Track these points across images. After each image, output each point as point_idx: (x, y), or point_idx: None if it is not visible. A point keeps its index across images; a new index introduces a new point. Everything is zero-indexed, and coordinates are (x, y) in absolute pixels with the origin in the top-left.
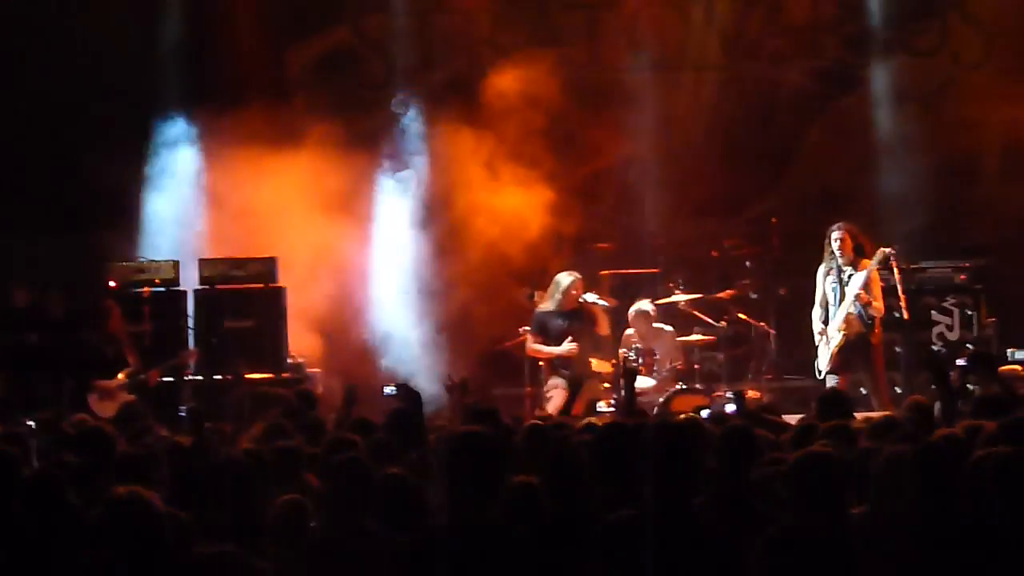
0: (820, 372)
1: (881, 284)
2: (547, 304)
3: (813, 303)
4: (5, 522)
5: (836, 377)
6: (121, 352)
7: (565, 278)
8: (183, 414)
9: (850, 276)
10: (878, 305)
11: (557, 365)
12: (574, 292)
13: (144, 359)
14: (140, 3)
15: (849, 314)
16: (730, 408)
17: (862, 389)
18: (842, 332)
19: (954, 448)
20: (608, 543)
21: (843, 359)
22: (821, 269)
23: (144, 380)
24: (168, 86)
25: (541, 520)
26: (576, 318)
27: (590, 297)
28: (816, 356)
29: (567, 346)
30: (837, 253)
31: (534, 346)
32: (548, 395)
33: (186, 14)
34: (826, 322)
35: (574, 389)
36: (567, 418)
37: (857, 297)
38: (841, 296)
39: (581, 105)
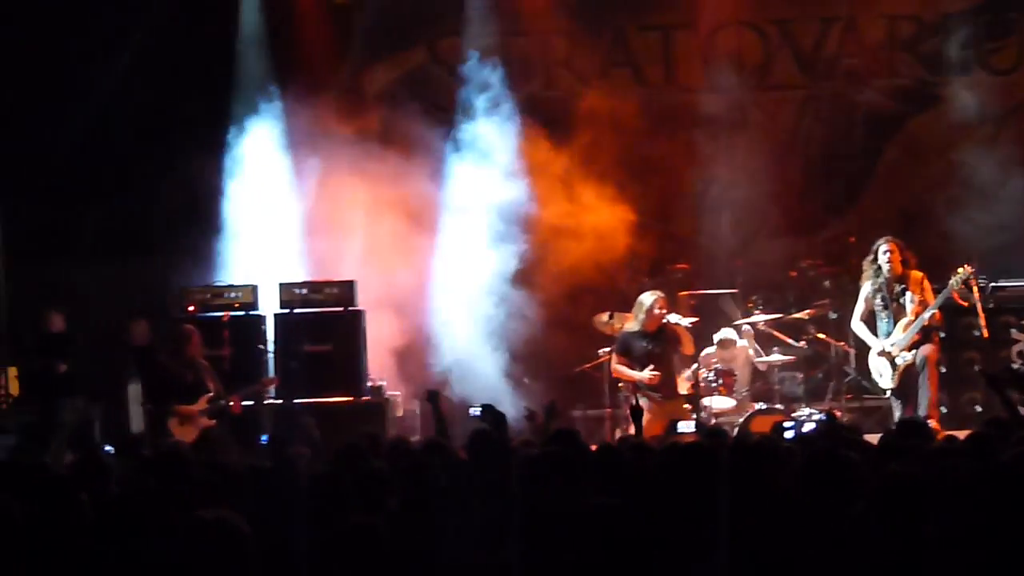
0: (886, 391)
1: (962, 302)
2: (631, 324)
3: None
4: (81, 550)
5: (901, 401)
6: (201, 378)
7: (648, 298)
8: (264, 440)
9: (903, 290)
10: (939, 317)
11: (641, 387)
12: (657, 312)
13: (224, 384)
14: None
15: (916, 334)
16: (808, 427)
17: (978, 407)
18: (907, 353)
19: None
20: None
21: (906, 378)
22: (868, 285)
23: (225, 406)
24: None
25: (618, 541)
26: (659, 339)
27: (673, 318)
28: (870, 371)
29: (648, 373)
30: (885, 268)
31: (617, 367)
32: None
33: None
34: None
35: (636, 418)
36: (648, 439)
37: (932, 317)
38: (895, 312)
39: (658, 126)
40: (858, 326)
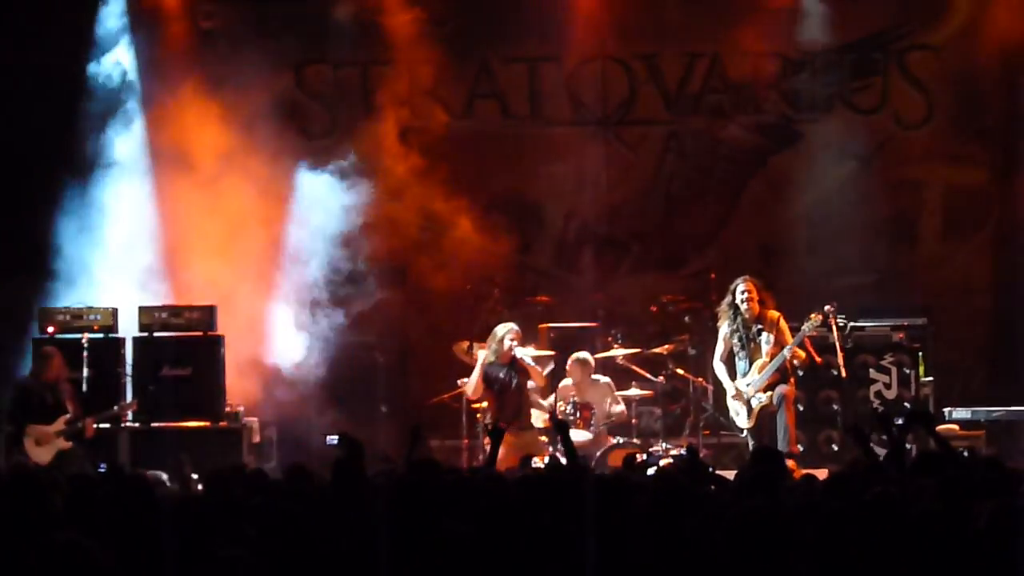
0: (742, 430)
1: (814, 354)
2: (487, 355)
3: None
4: None
5: (755, 441)
6: (60, 399)
7: (501, 330)
8: (102, 468)
9: (759, 331)
10: (802, 355)
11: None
12: (508, 344)
13: (82, 406)
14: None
15: (768, 377)
16: (665, 462)
17: (834, 446)
18: (763, 394)
19: (890, 505)
20: None
21: (762, 418)
22: (726, 326)
23: (81, 429)
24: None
25: (475, 570)
26: (514, 369)
27: (519, 352)
28: (728, 411)
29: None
30: (743, 308)
31: (468, 386)
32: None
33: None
34: (733, 377)
35: (495, 438)
36: (501, 470)
37: (795, 357)
38: (752, 352)
39: (521, 159)
40: (718, 366)
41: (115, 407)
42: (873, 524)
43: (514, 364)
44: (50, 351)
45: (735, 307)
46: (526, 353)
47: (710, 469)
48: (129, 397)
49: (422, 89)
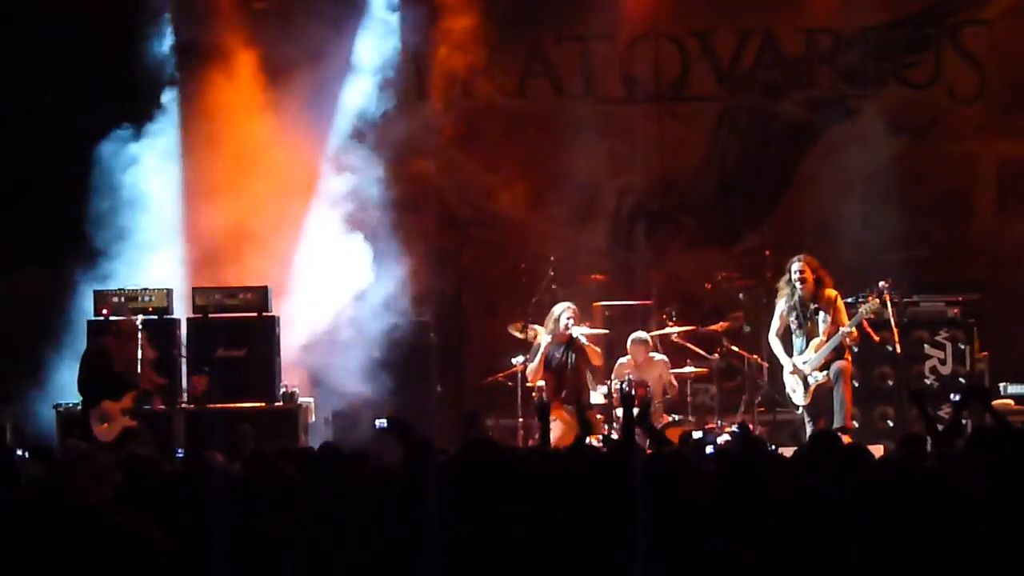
0: (798, 407)
1: (872, 334)
2: (544, 336)
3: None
4: None
5: (812, 418)
6: (133, 374)
7: (558, 309)
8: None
9: (816, 310)
10: (856, 335)
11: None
12: (564, 323)
13: (155, 384)
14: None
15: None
16: (722, 439)
17: (889, 422)
18: (819, 373)
19: (940, 481)
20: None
21: (818, 396)
22: (782, 303)
23: (148, 398)
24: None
25: (532, 551)
26: (571, 348)
27: (576, 331)
28: (783, 385)
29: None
30: (799, 287)
31: (528, 369)
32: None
33: None
34: (789, 354)
35: (543, 415)
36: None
37: (849, 337)
38: (808, 331)
39: (576, 137)
40: (774, 341)
41: (191, 385)
42: (924, 501)
43: (572, 343)
44: (132, 325)
45: (792, 286)
46: (581, 332)
47: (768, 446)
48: (184, 379)
49: (475, 69)
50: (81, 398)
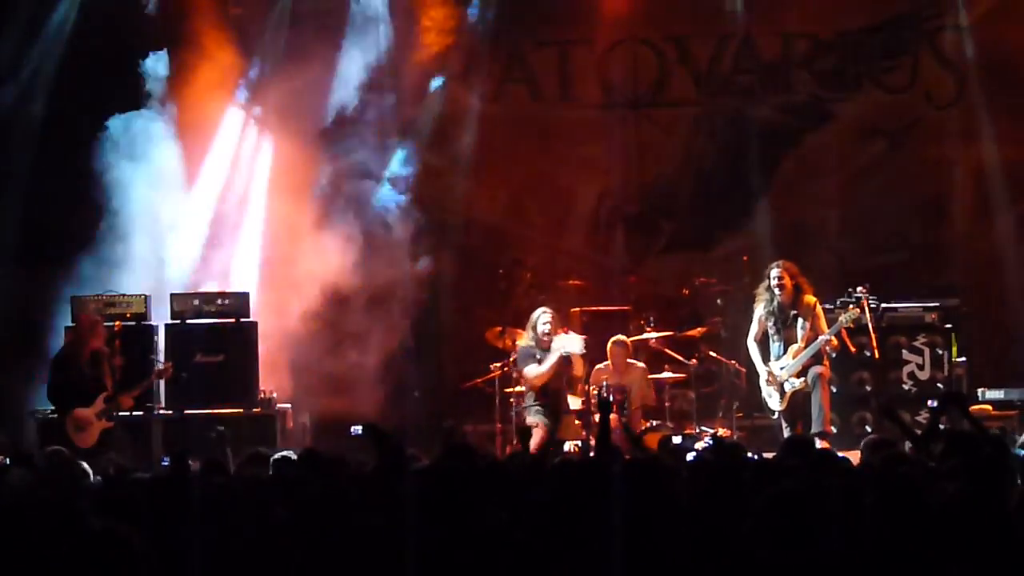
0: (774, 412)
1: (850, 345)
2: (525, 340)
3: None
4: None
5: (788, 424)
6: (100, 373)
7: (536, 315)
8: (165, 462)
9: (794, 316)
10: (835, 342)
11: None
12: (543, 328)
13: (118, 377)
14: None
15: (808, 359)
16: (700, 446)
17: (867, 427)
18: (796, 379)
19: (915, 485)
20: None
21: (795, 402)
22: (760, 308)
23: (119, 405)
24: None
25: (509, 555)
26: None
27: (557, 343)
28: (762, 393)
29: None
30: (777, 292)
31: (532, 372)
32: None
33: None
34: (766, 359)
35: (524, 438)
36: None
37: (828, 344)
38: (787, 337)
39: (553, 142)
40: (751, 346)
41: (151, 372)
42: (899, 507)
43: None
44: (92, 319)
45: (771, 292)
46: (571, 348)
47: (747, 454)
48: (162, 385)
49: (452, 74)
50: (53, 406)
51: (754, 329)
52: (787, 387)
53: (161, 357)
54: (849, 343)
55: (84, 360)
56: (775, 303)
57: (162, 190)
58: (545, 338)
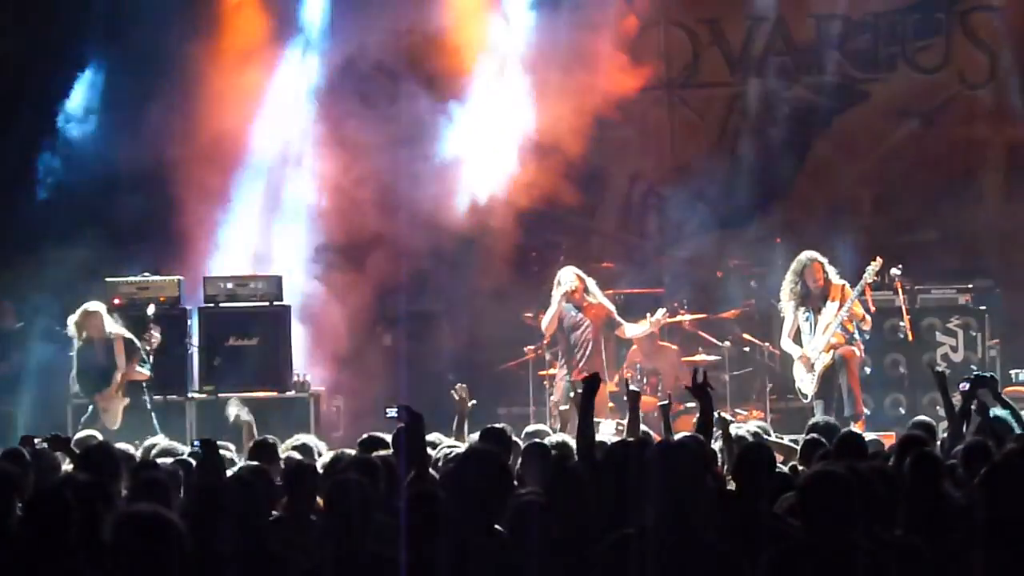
0: (806, 396)
1: (870, 302)
2: (554, 297)
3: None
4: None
5: (822, 402)
6: (112, 355)
7: (563, 272)
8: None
9: (824, 300)
10: (865, 320)
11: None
12: (569, 285)
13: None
14: None
15: (833, 338)
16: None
17: (901, 409)
18: (826, 354)
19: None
20: (610, 562)
21: (826, 381)
22: (792, 302)
23: (129, 381)
24: None
25: (545, 537)
26: (586, 315)
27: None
28: (795, 379)
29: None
30: (811, 285)
31: (544, 321)
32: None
33: None
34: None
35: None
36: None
37: (843, 323)
38: (817, 321)
39: (584, 125)
40: (786, 343)
41: (145, 341)
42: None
43: (585, 310)
44: (91, 310)
45: (802, 284)
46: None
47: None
48: (196, 368)
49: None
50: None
51: (787, 327)
52: (818, 366)
53: (195, 341)
54: (871, 302)
55: (96, 344)
56: (807, 292)
57: None
58: (573, 294)
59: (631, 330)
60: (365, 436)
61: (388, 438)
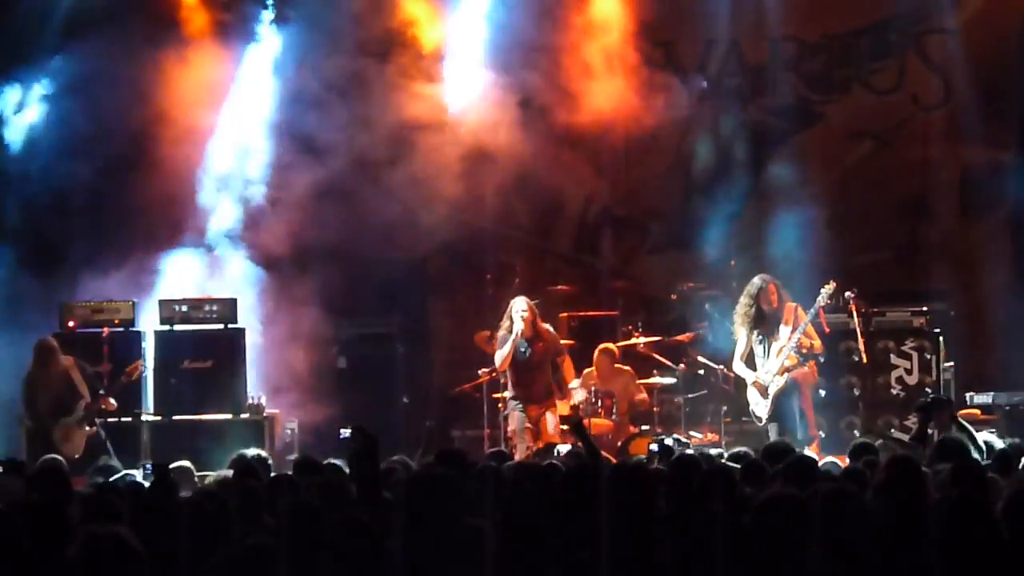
0: (760, 419)
1: (825, 326)
2: (503, 328)
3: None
4: None
5: (776, 425)
6: (74, 385)
7: (515, 303)
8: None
9: (777, 323)
10: (817, 344)
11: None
12: (517, 316)
13: (93, 385)
14: None
15: (787, 360)
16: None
17: (856, 431)
18: (780, 377)
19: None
20: None
21: (779, 404)
22: (743, 330)
23: (102, 408)
24: None
25: (493, 562)
26: (535, 343)
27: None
28: (747, 403)
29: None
30: (765, 307)
31: (497, 358)
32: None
33: None
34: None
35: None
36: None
37: (799, 344)
38: (770, 344)
39: (541, 144)
40: (738, 366)
41: (123, 372)
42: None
43: (536, 339)
44: (49, 344)
45: (756, 307)
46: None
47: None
48: (151, 392)
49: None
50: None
51: (740, 350)
52: (772, 389)
53: (150, 364)
54: (825, 324)
55: (53, 376)
56: (761, 315)
57: None
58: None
59: (569, 377)
60: (299, 457)
61: (339, 461)
